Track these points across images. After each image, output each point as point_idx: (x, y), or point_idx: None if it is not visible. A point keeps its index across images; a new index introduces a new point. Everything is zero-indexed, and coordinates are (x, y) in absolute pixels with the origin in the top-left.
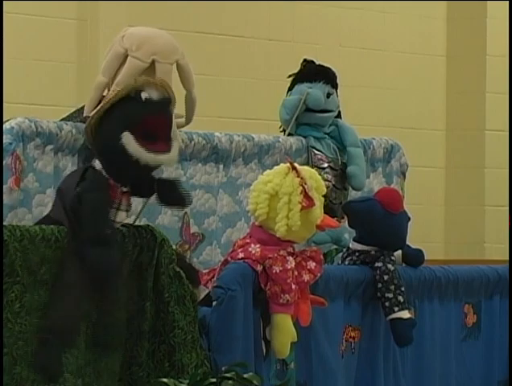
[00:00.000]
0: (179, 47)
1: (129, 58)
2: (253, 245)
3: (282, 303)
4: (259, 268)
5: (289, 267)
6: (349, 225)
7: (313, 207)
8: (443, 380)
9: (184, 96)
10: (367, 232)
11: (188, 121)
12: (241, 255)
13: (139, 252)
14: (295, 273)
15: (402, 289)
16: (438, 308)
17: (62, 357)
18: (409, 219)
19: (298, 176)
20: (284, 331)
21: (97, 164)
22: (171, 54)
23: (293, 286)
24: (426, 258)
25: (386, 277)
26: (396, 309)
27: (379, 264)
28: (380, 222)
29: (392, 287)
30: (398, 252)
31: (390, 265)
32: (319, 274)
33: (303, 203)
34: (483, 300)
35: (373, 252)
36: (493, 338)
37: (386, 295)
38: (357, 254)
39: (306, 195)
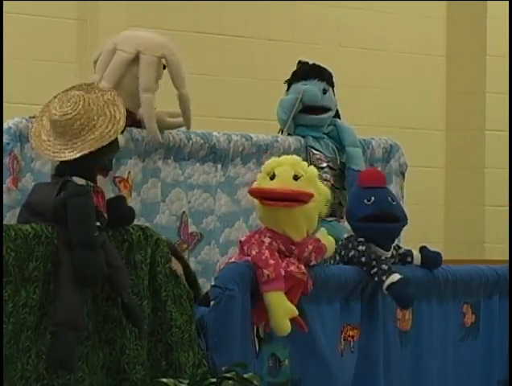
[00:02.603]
0: (170, 45)
1: (116, 52)
2: (256, 235)
3: (265, 281)
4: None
5: (264, 247)
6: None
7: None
8: (442, 380)
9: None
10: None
11: (187, 123)
12: (243, 237)
13: (129, 248)
14: (283, 264)
15: (382, 258)
16: (436, 308)
17: (75, 348)
18: (393, 199)
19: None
20: (276, 307)
21: (78, 179)
22: (156, 47)
23: (270, 261)
24: None
25: (363, 259)
26: (384, 277)
27: (352, 253)
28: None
29: (373, 263)
30: (418, 254)
31: (360, 247)
32: (303, 271)
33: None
34: (482, 300)
35: (340, 242)
36: (491, 339)
37: (372, 272)
38: (337, 249)
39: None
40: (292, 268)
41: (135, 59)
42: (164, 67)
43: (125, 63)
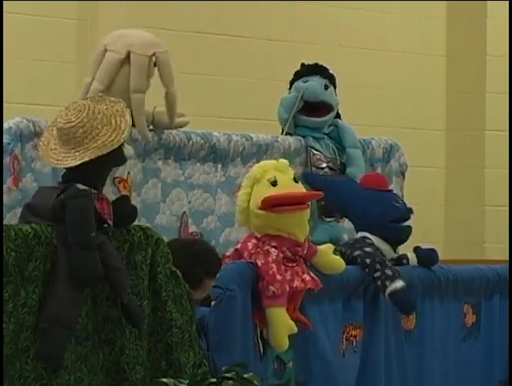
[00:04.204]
0: (161, 43)
1: (106, 53)
2: (253, 240)
3: (269, 296)
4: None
5: (271, 260)
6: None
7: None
8: (443, 380)
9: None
10: (351, 212)
11: (171, 119)
12: (239, 245)
13: (130, 248)
14: (288, 277)
15: (387, 263)
16: (439, 308)
17: (64, 347)
18: (398, 202)
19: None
20: (277, 324)
21: (80, 186)
22: (147, 46)
23: (278, 277)
24: None
25: (368, 261)
26: (388, 282)
27: (357, 252)
28: (354, 196)
29: (377, 266)
30: (412, 255)
31: (367, 249)
32: (310, 286)
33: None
34: (483, 300)
35: (350, 241)
36: (492, 339)
37: (375, 275)
38: (339, 248)
39: None
40: (297, 283)
41: (126, 59)
42: (155, 65)
43: (117, 64)
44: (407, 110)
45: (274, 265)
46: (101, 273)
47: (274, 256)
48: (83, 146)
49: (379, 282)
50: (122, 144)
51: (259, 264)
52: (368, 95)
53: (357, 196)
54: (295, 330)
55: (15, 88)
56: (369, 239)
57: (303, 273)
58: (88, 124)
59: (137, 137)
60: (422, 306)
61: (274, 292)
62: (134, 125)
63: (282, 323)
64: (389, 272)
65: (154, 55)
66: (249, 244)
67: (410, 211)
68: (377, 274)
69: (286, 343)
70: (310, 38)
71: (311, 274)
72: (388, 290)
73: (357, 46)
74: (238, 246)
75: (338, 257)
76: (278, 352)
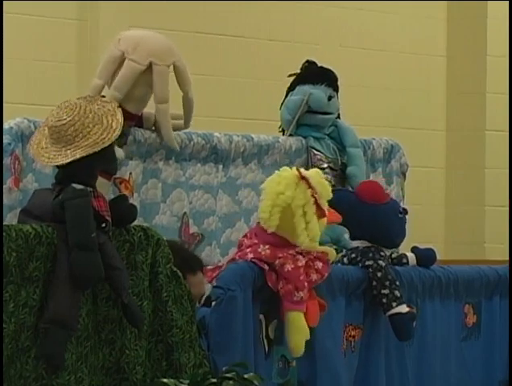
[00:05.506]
0: (176, 49)
1: (126, 61)
2: (262, 246)
3: (295, 301)
4: (265, 266)
5: (300, 265)
6: None
7: (325, 217)
8: (444, 380)
9: (182, 98)
10: (350, 225)
11: (187, 124)
12: (250, 255)
13: (130, 248)
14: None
15: (397, 283)
16: (439, 308)
17: (65, 347)
18: (401, 212)
19: (309, 187)
20: (299, 329)
21: (76, 186)
22: (167, 56)
23: (305, 283)
24: None
25: (379, 274)
26: (394, 304)
27: (370, 262)
28: (353, 212)
29: (387, 283)
30: (412, 255)
31: (381, 262)
32: (326, 274)
33: (317, 214)
34: (483, 300)
35: (360, 248)
36: (493, 339)
37: (383, 291)
38: (349, 252)
39: (318, 206)
40: (314, 277)
41: (147, 69)
42: None
43: (137, 74)
44: (407, 110)
45: (303, 271)
46: (102, 274)
47: (304, 263)
48: (74, 144)
49: (384, 299)
50: (113, 143)
51: (289, 268)
52: (368, 95)
53: (363, 214)
54: (309, 336)
55: (15, 88)
56: (383, 251)
57: (314, 261)
58: (79, 122)
59: (140, 139)
60: (422, 306)
61: (301, 298)
62: (160, 132)
63: (302, 329)
64: (397, 293)
65: (173, 64)
66: (247, 235)
67: (406, 212)
68: (385, 291)
69: (303, 349)
70: (310, 38)
71: (319, 255)
72: (392, 311)
73: (357, 46)
74: (251, 255)
75: (326, 247)
76: (283, 351)
